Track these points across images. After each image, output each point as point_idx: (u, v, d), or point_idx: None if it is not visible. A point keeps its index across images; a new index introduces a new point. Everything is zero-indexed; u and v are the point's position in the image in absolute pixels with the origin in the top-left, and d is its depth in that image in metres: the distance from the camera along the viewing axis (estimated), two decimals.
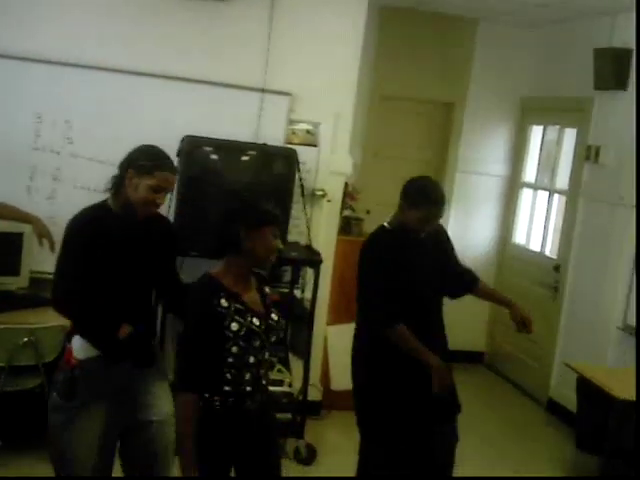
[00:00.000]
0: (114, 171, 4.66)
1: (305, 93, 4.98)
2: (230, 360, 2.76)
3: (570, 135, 6.27)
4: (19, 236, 4.35)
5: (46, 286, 4.52)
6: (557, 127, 6.49)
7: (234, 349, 2.75)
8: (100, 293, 2.97)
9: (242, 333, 2.75)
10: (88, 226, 2.97)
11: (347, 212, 5.57)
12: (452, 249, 3.79)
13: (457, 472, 3.74)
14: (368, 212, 6.13)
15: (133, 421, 3.06)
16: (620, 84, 5.38)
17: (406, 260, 3.46)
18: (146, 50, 4.75)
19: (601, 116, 5.73)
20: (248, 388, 2.81)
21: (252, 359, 2.80)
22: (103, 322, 3.00)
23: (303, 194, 4.88)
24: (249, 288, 2.88)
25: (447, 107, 6.92)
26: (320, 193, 5.08)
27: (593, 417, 4.75)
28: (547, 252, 6.45)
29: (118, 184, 3.01)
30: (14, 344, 3.95)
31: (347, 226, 5.54)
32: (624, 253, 5.27)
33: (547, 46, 6.53)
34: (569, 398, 5.36)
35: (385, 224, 3.60)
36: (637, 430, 4.27)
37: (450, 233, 6.68)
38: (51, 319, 4.11)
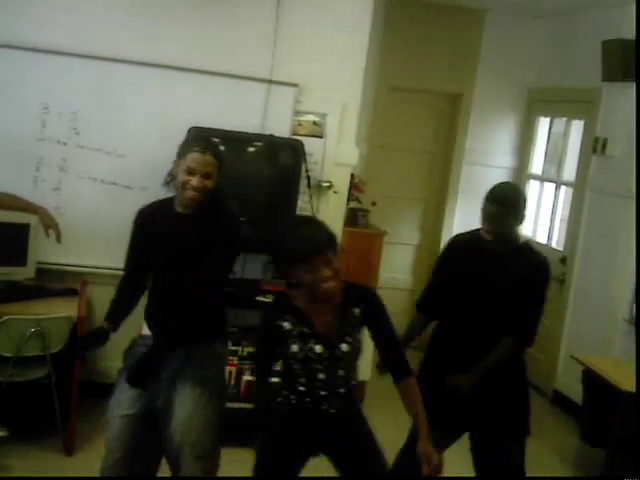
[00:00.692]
0: (120, 162, 4.75)
1: (312, 84, 4.96)
2: (299, 375, 2.83)
3: (577, 127, 6.25)
4: (25, 227, 4.35)
5: (52, 277, 4.57)
6: (564, 119, 6.47)
7: (296, 366, 2.82)
8: (152, 278, 3.23)
9: (300, 357, 2.80)
10: (142, 214, 3.23)
11: (353, 204, 5.57)
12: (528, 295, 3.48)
13: (462, 464, 3.74)
14: (374, 204, 6.12)
15: (157, 408, 3.11)
16: (628, 76, 5.34)
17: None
18: (153, 41, 4.73)
19: (609, 108, 5.71)
20: (323, 392, 2.85)
21: (322, 376, 2.83)
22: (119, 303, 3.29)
23: (309, 185, 4.88)
24: (325, 311, 2.79)
25: (454, 98, 6.90)
26: (326, 184, 5.07)
27: (599, 409, 4.75)
28: (554, 244, 6.44)
29: (172, 179, 3.10)
30: (21, 334, 3.97)
31: (353, 218, 5.54)
32: (631, 245, 5.25)
33: (555, 37, 6.50)
34: (575, 390, 5.36)
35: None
36: (637, 429, 4.27)
37: (456, 224, 6.80)
38: (58, 310, 4.13)
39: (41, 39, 4.57)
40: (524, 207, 3.51)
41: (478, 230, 3.59)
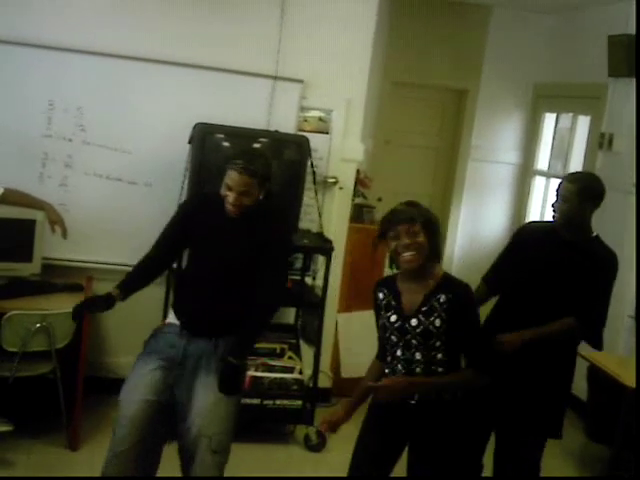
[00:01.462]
0: (125, 158, 4.75)
1: (317, 80, 4.96)
2: (386, 347, 3.05)
3: (583, 122, 6.24)
4: (31, 223, 4.36)
5: (58, 272, 4.58)
6: (570, 114, 6.46)
7: (380, 335, 3.09)
8: (187, 265, 3.34)
9: (379, 324, 3.07)
10: (194, 202, 3.40)
11: (359, 200, 5.56)
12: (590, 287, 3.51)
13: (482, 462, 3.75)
14: (380, 199, 6.11)
15: (177, 397, 3.13)
16: (635, 71, 5.32)
17: None
18: (158, 37, 4.73)
19: (615, 103, 5.69)
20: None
21: (399, 352, 2.98)
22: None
23: (315, 181, 4.87)
24: (416, 290, 2.97)
25: (460, 94, 6.90)
26: (332, 180, 5.07)
27: (604, 406, 4.75)
28: None
29: None
30: (27, 330, 3.98)
31: (359, 214, 5.52)
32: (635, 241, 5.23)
33: (561, 32, 6.48)
34: (580, 387, 5.34)
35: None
36: (637, 429, 4.26)
37: (462, 220, 6.81)
38: (64, 305, 4.13)
39: (46, 36, 4.57)
40: (598, 195, 3.54)
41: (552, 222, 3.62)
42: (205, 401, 3.07)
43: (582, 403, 5.23)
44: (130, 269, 3.33)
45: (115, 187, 4.76)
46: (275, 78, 4.87)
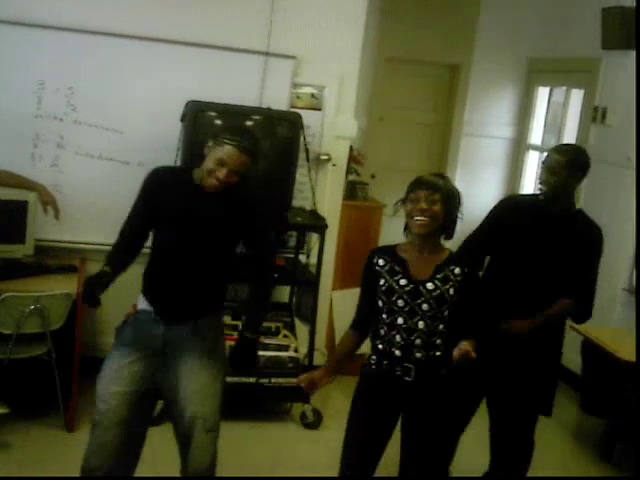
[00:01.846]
0: (117, 137, 4.72)
1: (309, 56, 4.93)
2: (383, 316, 2.99)
3: (577, 96, 6.22)
4: (23, 204, 4.33)
5: (51, 254, 4.56)
6: (564, 88, 6.44)
7: (379, 303, 3.00)
8: (157, 247, 3.17)
9: (384, 288, 2.98)
10: (158, 177, 3.17)
11: (352, 177, 5.55)
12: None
13: (460, 438, 3.76)
14: (373, 176, 6.11)
15: (162, 385, 3.12)
16: (628, 44, 5.30)
17: None
18: (149, 15, 4.69)
19: (609, 76, 5.67)
20: (397, 352, 2.96)
21: (400, 320, 2.95)
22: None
23: (308, 158, 4.86)
24: (424, 261, 2.98)
25: (453, 69, 6.86)
26: (325, 157, 5.05)
27: (598, 379, 4.77)
28: None
29: (200, 154, 3.09)
30: (21, 312, 3.97)
31: (352, 191, 5.52)
32: (630, 215, 5.24)
33: (554, 5, 6.44)
34: (574, 360, 5.37)
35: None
36: (637, 430, 4.29)
37: None
38: (57, 287, 4.13)
39: (36, 14, 4.52)
40: (586, 166, 3.53)
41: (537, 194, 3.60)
42: (195, 384, 3.07)
43: (576, 376, 5.26)
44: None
45: (107, 167, 4.74)
46: (267, 54, 4.83)
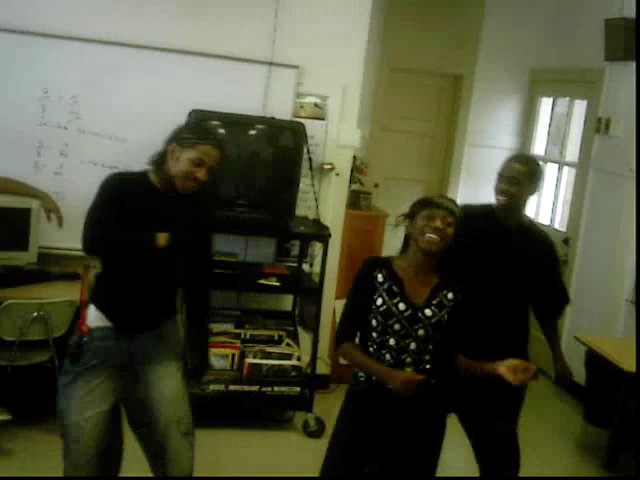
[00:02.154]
0: (121, 146, 4.73)
1: (313, 66, 4.94)
2: (373, 334, 2.92)
3: (580, 107, 6.22)
4: (27, 211, 4.35)
5: (54, 261, 4.57)
6: (567, 99, 6.45)
7: (373, 322, 2.92)
8: (114, 259, 3.02)
9: (382, 309, 2.91)
10: (122, 184, 3.01)
11: (355, 186, 5.55)
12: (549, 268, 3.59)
13: (464, 445, 3.74)
14: (376, 186, 6.12)
15: (135, 396, 3.07)
16: (631, 55, 5.31)
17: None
18: (152, 24, 4.70)
19: (612, 87, 5.67)
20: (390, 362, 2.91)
21: (392, 341, 2.90)
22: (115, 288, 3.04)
23: (311, 168, 4.86)
24: (420, 282, 2.95)
25: (456, 79, 6.88)
26: (328, 167, 5.06)
27: (602, 390, 4.76)
28: (556, 225, 6.43)
29: (160, 159, 3.01)
30: (24, 319, 3.97)
31: (355, 200, 5.52)
32: (634, 225, 5.23)
33: (557, 17, 6.45)
34: (578, 371, 5.35)
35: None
36: (637, 429, 4.27)
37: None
38: (60, 294, 4.13)
39: (40, 22, 4.54)
40: (540, 176, 3.52)
41: (490, 205, 3.56)
42: (167, 392, 3.06)
43: (580, 387, 5.24)
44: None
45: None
46: (270, 64, 4.84)
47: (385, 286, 2.94)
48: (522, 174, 3.40)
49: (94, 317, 3.03)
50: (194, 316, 3.26)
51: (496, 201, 3.49)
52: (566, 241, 6.07)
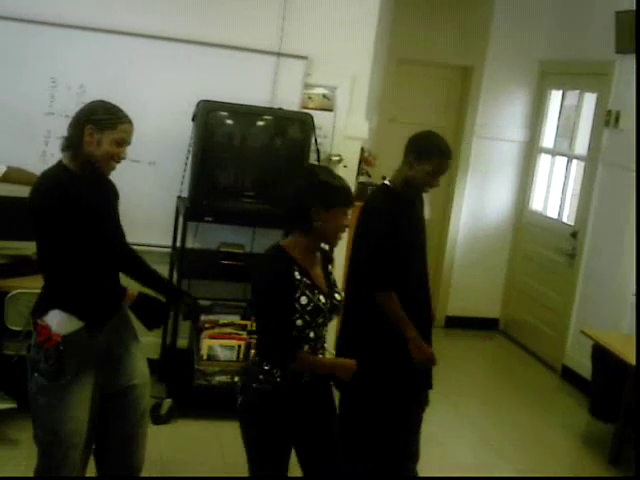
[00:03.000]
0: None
1: (321, 57, 4.92)
2: (293, 333, 2.79)
3: (590, 100, 6.19)
4: None
5: None
6: (577, 92, 6.41)
7: (298, 322, 2.77)
8: (78, 256, 2.86)
9: (309, 308, 2.78)
10: (65, 188, 2.84)
11: (363, 178, 5.54)
12: None
13: (470, 440, 3.75)
14: (384, 178, 6.07)
15: (115, 386, 3.05)
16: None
17: (409, 220, 3.44)
18: (161, 14, 4.69)
19: (622, 80, 5.64)
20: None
21: (312, 334, 2.83)
22: (88, 288, 2.92)
23: (319, 159, 4.85)
24: (315, 264, 2.89)
25: (465, 71, 6.84)
26: (336, 158, 5.05)
27: (608, 384, 4.75)
28: (564, 219, 6.41)
29: (76, 143, 2.88)
30: (30, 309, 3.95)
31: (363, 192, 5.50)
32: None
33: (568, 8, 6.41)
34: (584, 365, 5.36)
35: (387, 182, 3.56)
36: (637, 429, 4.26)
37: (467, 199, 6.80)
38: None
39: (48, 12, 4.53)
40: None
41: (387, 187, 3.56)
42: (143, 372, 3.11)
43: (586, 381, 5.24)
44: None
45: (118, 165, 4.72)
46: (279, 55, 4.83)
47: (303, 282, 2.78)
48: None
49: (61, 324, 2.87)
50: (146, 276, 3.25)
51: (424, 191, 3.59)
52: (574, 235, 6.05)
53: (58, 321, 2.88)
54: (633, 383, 4.39)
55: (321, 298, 2.81)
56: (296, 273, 2.77)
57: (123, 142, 2.92)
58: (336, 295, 2.90)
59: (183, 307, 3.24)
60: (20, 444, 4.01)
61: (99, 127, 2.86)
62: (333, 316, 2.91)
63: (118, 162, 2.95)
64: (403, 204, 3.45)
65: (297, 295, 2.76)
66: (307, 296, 2.77)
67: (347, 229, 2.87)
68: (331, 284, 2.92)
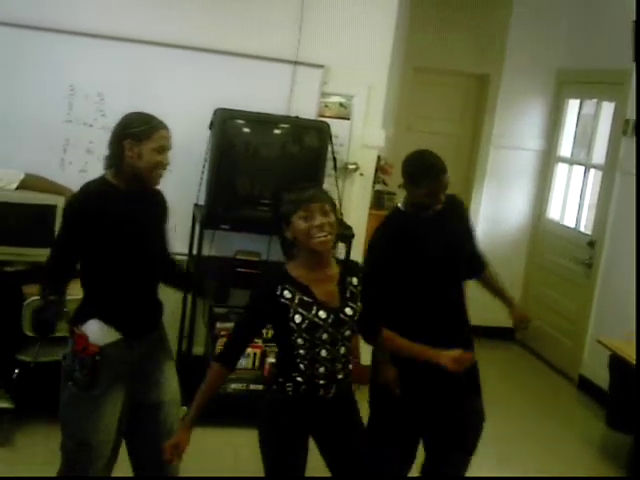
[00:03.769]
0: None
1: (338, 65, 4.94)
2: (300, 352, 2.76)
3: (607, 109, 6.16)
4: (52, 208, 4.36)
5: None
6: (594, 100, 6.38)
7: (299, 341, 2.75)
8: (112, 268, 2.93)
9: (304, 326, 2.73)
10: (91, 202, 2.89)
11: (379, 186, 5.54)
12: (468, 225, 3.63)
13: (487, 449, 3.72)
14: (400, 186, 6.06)
15: (144, 400, 3.07)
16: None
17: (419, 240, 3.35)
18: (179, 22, 4.72)
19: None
20: (322, 382, 2.81)
21: (324, 353, 2.78)
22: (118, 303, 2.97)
23: (335, 168, 4.86)
24: (324, 279, 2.80)
25: (482, 79, 6.83)
26: (352, 167, 5.05)
27: (625, 395, 4.71)
28: (582, 228, 6.38)
29: (118, 160, 2.91)
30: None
31: (379, 200, 5.50)
32: None
33: (585, 17, 6.39)
34: (601, 375, 5.32)
35: (399, 205, 3.53)
36: (637, 430, 4.22)
37: (483, 208, 6.77)
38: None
39: (67, 20, 4.57)
40: None
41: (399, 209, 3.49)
42: (171, 391, 3.11)
43: (603, 392, 5.20)
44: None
45: None
46: (296, 63, 4.85)
47: (296, 301, 2.73)
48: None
49: (99, 334, 2.91)
50: (176, 280, 3.36)
51: (433, 210, 3.36)
52: (591, 244, 6.02)
53: (96, 331, 2.91)
54: None
55: (320, 314, 2.74)
56: (285, 292, 2.73)
57: (163, 149, 2.93)
58: (346, 309, 2.80)
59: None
60: (35, 450, 4.03)
61: (136, 139, 2.88)
62: (344, 331, 2.80)
63: (164, 169, 2.96)
64: (410, 225, 3.36)
65: (290, 314, 2.72)
66: (301, 314, 2.73)
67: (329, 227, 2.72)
68: (347, 298, 2.82)
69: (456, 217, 3.52)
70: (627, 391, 4.68)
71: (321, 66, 4.88)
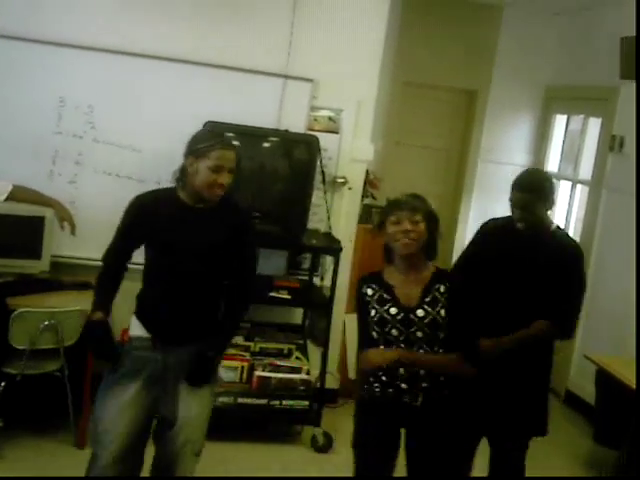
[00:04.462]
0: (135, 156, 4.75)
1: (327, 79, 4.95)
2: (380, 347, 2.96)
3: (594, 125, 6.20)
4: (40, 220, 4.37)
5: (67, 270, 4.58)
6: (581, 116, 6.43)
7: (374, 334, 2.98)
8: (148, 271, 3.10)
9: (375, 319, 2.97)
10: (142, 207, 3.07)
11: (368, 200, 5.54)
12: (563, 281, 3.46)
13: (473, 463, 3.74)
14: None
15: (163, 411, 3.08)
16: None
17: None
18: (169, 35, 4.73)
19: (626, 105, 5.65)
20: (403, 385, 2.94)
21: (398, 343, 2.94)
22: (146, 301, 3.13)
23: (324, 181, 4.87)
24: (412, 282, 2.98)
25: (470, 95, 6.88)
26: (341, 180, 5.06)
27: (612, 410, 4.72)
28: None
29: (182, 175, 3.02)
30: (35, 327, 3.98)
31: (368, 214, 5.50)
32: None
33: (573, 34, 6.45)
34: (588, 390, 5.33)
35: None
36: (637, 432, 4.24)
37: (471, 221, 6.77)
38: (72, 303, 4.14)
39: (57, 33, 4.58)
40: (551, 192, 3.50)
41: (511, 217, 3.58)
42: (192, 410, 3.07)
43: (590, 407, 5.21)
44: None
45: (124, 185, 4.76)
46: (285, 77, 4.86)
47: (375, 297, 2.99)
48: (532, 202, 3.45)
49: (135, 327, 3.12)
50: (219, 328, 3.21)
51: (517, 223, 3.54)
52: None
53: (134, 325, 3.13)
54: (637, 408, 4.37)
55: (392, 310, 2.95)
56: (369, 290, 3.01)
57: (219, 168, 2.95)
58: (418, 311, 2.93)
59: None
60: (23, 464, 4.01)
61: (196, 156, 2.96)
62: (415, 331, 2.92)
63: (219, 189, 2.97)
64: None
65: (369, 309, 2.99)
66: (375, 308, 2.97)
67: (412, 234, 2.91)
68: (425, 301, 2.95)
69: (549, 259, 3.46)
70: (614, 406, 4.69)
71: (311, 80, 4.90)
